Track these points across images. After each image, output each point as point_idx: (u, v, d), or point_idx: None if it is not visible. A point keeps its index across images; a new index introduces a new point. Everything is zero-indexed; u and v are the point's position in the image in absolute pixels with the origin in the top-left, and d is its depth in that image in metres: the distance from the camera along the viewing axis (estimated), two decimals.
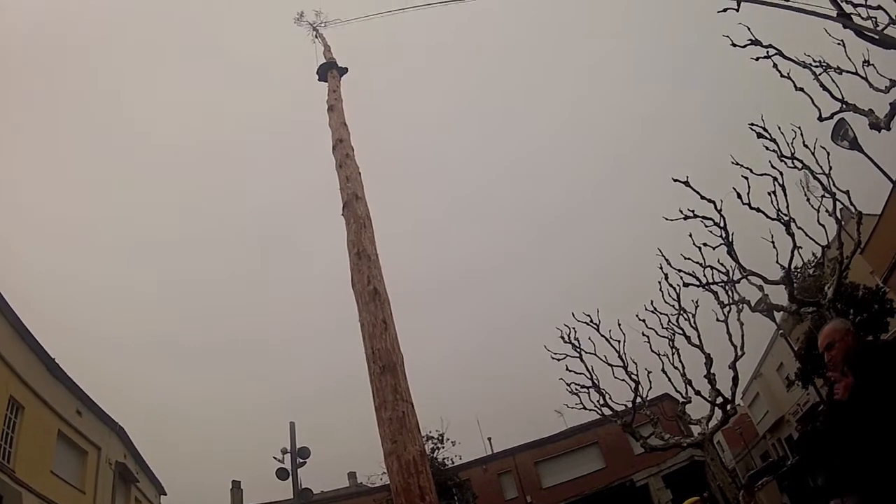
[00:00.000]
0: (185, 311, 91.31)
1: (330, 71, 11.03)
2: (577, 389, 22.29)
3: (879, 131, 12.13)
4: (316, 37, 13.02)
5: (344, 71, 11.43)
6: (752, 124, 15.21)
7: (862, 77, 13.08)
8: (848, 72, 13.23)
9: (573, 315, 22.49)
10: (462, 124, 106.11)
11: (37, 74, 73.83)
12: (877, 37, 10.84)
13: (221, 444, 76.68)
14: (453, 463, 28.05)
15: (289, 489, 15.78)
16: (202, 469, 68.54)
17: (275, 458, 15.52)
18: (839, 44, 12.89)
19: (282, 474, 15.42)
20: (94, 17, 77.56)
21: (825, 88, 13.39)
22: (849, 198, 14.91)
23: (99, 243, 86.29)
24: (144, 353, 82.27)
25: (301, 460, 15.49)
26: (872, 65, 12.92)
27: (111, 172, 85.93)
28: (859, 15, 10.99)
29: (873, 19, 10.93)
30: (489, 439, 39.05)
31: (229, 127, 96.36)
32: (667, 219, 16.77)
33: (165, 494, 30.51)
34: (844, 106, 13.24)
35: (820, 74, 13.54)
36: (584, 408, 22.61)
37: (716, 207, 15.85)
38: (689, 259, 18.13)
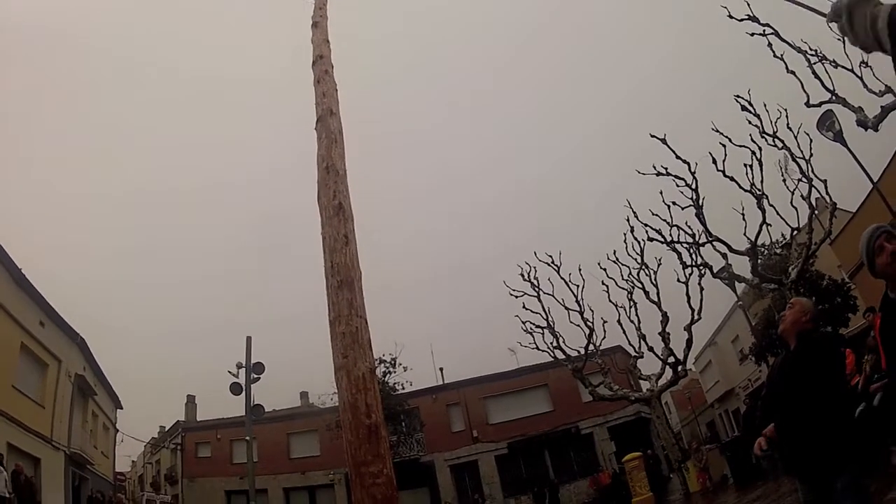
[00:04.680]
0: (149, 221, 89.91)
1: None
2: (531, 329, 22.34)
3: (866, 130, 12.12)
4: None
5: None
6: (738, 96, 15.20)
7: (857, 76, 13.01)
8: (844, 67, 13.17)
9: (535, 254, 22.51)
10: (458, 75, 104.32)
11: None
12: None
13: (178, 362, 77.11)
14: (404, 389, 28.29)
15: (242, 408, 15.95)
16: (158, 386, 69.18)
17: (230, 372, 15.62)
18: (839, 40, 12.82)
19: (235, 389, 15.53)
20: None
21: (817, 77, 13.33)
22: (825, 187, 15.15)
23: (66, 154, 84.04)
24: (105, 260, 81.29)
25: (255, 376, 15.60)
26: (870, 66, 12.86)
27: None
28: None
29: None
30: (441, 370, 39.22)
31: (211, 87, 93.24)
32: (639, 172, 16.81)
33: (122, 409, 30.74)
34: (834, 98, 13.20)
35: (814, 63, 13.47)
36: (538, 348, 22.67)
37: (689, 169, 15.91)
38: (656, 216, 18.15)
